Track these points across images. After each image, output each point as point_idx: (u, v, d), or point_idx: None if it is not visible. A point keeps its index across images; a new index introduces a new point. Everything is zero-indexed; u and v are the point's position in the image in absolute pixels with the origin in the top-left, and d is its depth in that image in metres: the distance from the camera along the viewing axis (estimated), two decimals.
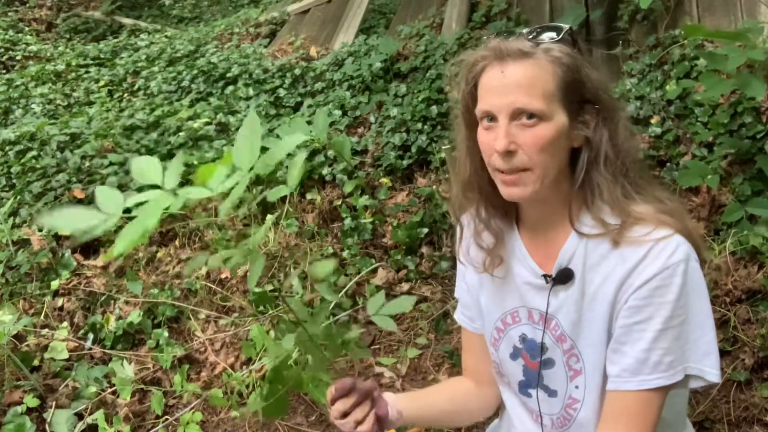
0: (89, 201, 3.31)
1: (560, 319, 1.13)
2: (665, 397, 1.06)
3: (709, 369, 1.05)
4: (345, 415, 1.11)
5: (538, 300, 1.15)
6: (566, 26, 1.08)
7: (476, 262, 1.22)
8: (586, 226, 1.08)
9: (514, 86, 1.02)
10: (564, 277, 1.10)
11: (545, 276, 1.12)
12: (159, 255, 3.08)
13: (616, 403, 1.07)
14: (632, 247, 1.03)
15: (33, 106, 5.02)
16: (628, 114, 1.15)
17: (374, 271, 2.87)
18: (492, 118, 1.05)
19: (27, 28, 8.13)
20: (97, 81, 5.43)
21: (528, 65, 1.02)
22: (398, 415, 1.21)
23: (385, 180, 3.25)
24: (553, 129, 1.02)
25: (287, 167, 3.11)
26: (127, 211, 0.70)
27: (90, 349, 2.65)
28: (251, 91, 4.33)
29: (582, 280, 1.09)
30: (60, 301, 2.86)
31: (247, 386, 2.41)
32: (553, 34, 1.06)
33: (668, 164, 2.77)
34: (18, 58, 6.96)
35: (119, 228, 0.67)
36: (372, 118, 3.63)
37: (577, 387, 1.14)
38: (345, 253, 2.93)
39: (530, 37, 1.07)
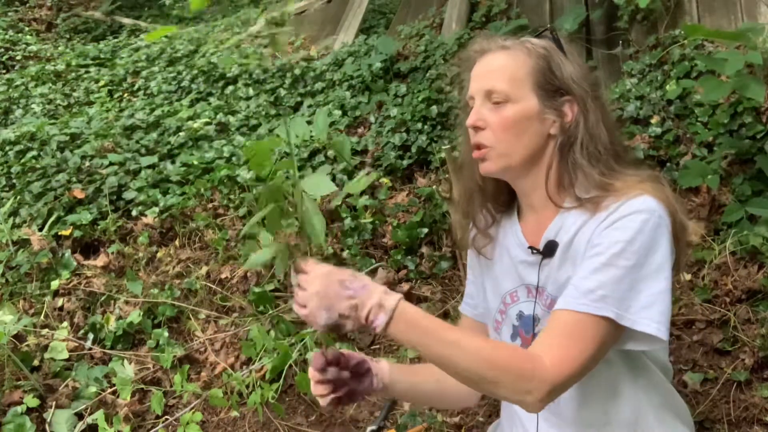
0: (89, 201, 3.32)
1: (548, 288, 1.20)
2: (602, 336, 1.05)
3: (645, 321, 1.04)
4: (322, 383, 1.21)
5: (532, 275, 1.22)
6: (549, 27, 1.24)
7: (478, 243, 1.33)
8: (568, 204, 1.18)
9: (486, 72, 1.19)
10: (550, 249, 1.18)
11: (531, 248, 1.21)
12: (159, 255, 3.08)
13: (550, 321, 1.11)
14: (606, 209, 1.11)
15: (33, 106, 5.02)
16: (604, 103, 1.23)
17: (374, 271, 2.87)
18: (471, 103, 1.21)
19: (27, 28, 8.11)
20: (97, 81, 5.43)
21: (502, 55, 1.19)
22: (382, 386, 1.28)
23: (385, 180, 3.25)
24: (519, 110, 1.15)
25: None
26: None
27: (90, 349, 2.65)
28: (251, 91, 4.33)
29: (565, 249, 1.16)
30: (60, 301, 2.86)
31: (247, 386, 2.41)
32: (534, 35, 1.23)
33: (668, 164, 2.77)
34: (18, 58, 6.95)
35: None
36: (372, 118, 3.63)
37: None
38: (345, 253, 2.93)
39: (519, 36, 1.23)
